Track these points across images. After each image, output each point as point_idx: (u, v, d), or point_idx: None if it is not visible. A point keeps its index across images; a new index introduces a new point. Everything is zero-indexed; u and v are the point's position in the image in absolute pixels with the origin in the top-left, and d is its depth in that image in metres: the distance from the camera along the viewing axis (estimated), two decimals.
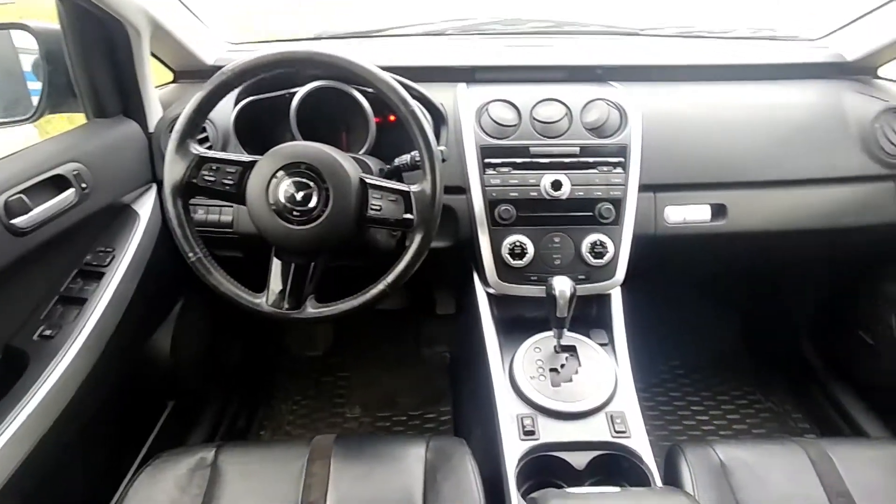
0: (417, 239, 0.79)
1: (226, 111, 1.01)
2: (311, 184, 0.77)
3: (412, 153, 0.89)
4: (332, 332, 1.77)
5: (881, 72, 1.26)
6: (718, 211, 1.07)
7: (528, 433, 0.87)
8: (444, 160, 0.84)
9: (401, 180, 0.91)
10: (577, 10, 1.63)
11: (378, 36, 1.36)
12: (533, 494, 0.71)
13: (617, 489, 0.84)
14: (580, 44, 1.34)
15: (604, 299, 1.05)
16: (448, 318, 1.69)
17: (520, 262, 0.99)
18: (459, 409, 1.47)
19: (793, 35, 1.41)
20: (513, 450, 0.86)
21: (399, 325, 1.76)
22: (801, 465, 0.87)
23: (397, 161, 0.93)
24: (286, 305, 0.81)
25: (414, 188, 0.79)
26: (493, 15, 1.40)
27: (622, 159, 1.00)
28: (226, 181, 0.79)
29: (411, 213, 0.78)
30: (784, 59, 1.27)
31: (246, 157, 0.80)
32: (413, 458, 0.85)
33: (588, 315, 1.06)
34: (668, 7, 1.72)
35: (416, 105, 0.79)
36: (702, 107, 1.13)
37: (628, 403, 0.92)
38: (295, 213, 0.76)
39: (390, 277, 0.79)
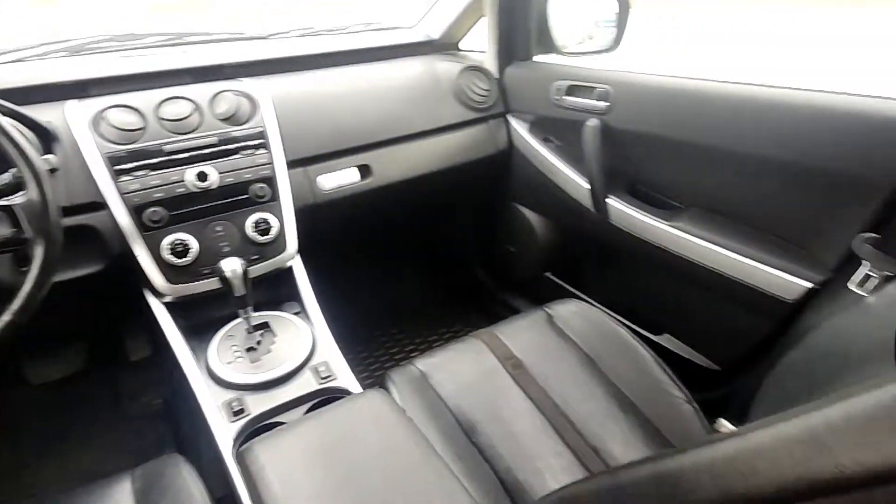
0: (40, 253, 0.72)
1: None
2: None
3: (12, 170, 0.80)
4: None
5: (462, 45, 1.60)
6: (365, 171, 1.23)
7: (238, 413, 0.88)
8: (54, 169, 0.78)
9: None
10: (202, 23, 1.65)
11: None
12: (240, 448, 0.72)
13: None
14: (207, 50, 1.36)
15: (287, 274, 1.10)
16: (146, 361, 1.54)
17: (186, 259, 0.98)
18: (181, 441, 1.37)
19: (395, 25, 1.68)
20: (224, 434, 0.85)
21: (84, 389, 1.52)
22: (479, 349, 1.06)
23: None
24: None
25: (17, 199, 0.72)
26: (105, 32, 1.32)
27: (262, 141, 1.07)
28: None
29: (21, 228, 0.71)
30: (389, 42, 1.50)
31: None
32: (118, 493, 0.78)
33: (278, 293, 1.11)
34: (291, 16, 1.87)
35: (2, 120, 0.72)
36: (330, 87, 1.27)
37: (330, 353, 0.99)
38: None
39: (16, 303, 0.71)
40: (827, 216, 0.92)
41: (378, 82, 1.32)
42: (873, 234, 0.81)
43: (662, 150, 1.15)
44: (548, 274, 1.50)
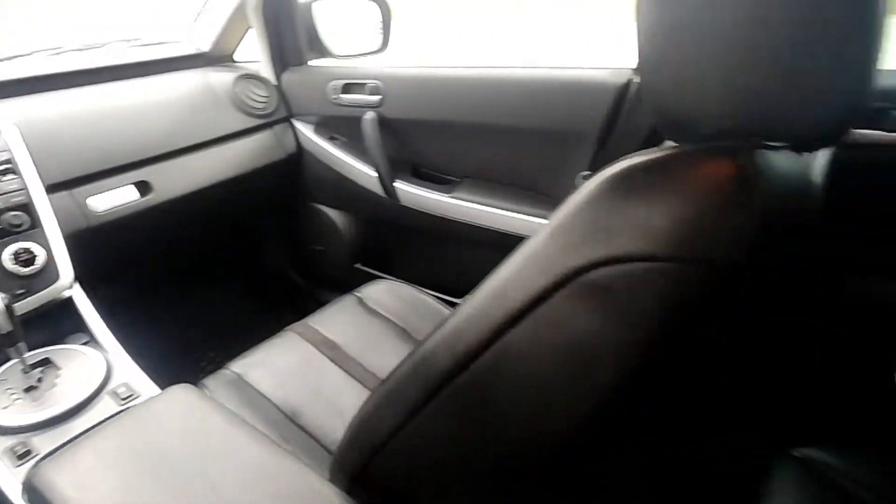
0: None
1: None
2: None
3: None
4: None
5: (237, 56, 1.60)
6: (144, 188, 1.18)
7: (23, 455, 0.79)
8: None
9: None
10: None
11: None
12: (28, 478, 0.66)
13: None
14: None
15: (66, 305, 1.01)
16: None
17: None
18: None
19: (160, 40, 1.62)
20: (9, 481, 0.76)
21: None
22: (294, 341, 1.08)
23: None
24: None
25: None
26: None
27: (8, 166, 0.97)
28: None
29: None
30: (157, 57, 1.45)
31: None
32: None
33: (61, 327, 1.01)
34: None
35: None
36: (94, 105, 1.19)
37: (130, 373, 0.93)
38: None
39: None
40: (562, 166, 1.12)
41: (150, 97, 1.27)
42: (589, 172, 1.02)
43: (432, 132, 1.28)
44: (358, 265, 1.57)
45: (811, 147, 0.41)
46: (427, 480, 0.53)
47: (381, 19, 1.42)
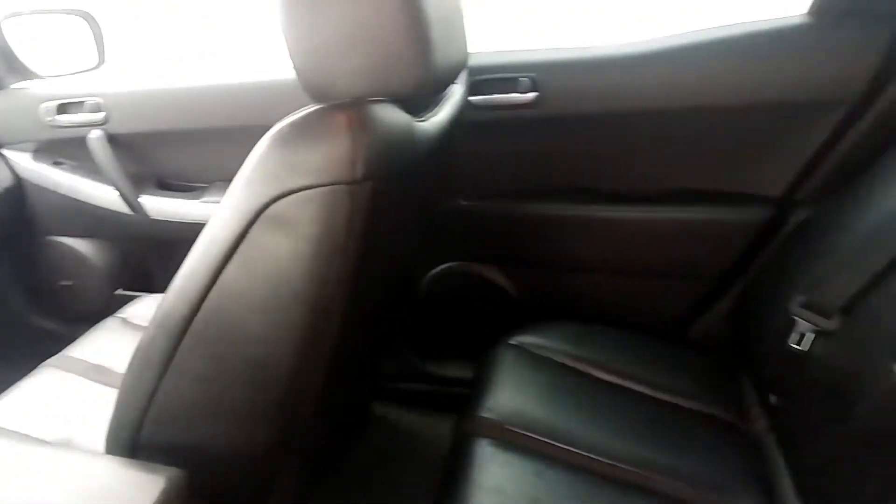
0: None
1: None
2: None
3: None
4: None
5: None
6: None
7: None
8: None
9: None
10: None
11: None
12: None
13: None
14: None
15: None
16: None
17: None
18: None
19: None
20: None
21: None
22: (52, 377, 1.02)
23: None
24: None
25: None
26: None
27: None
28: None
29: None
30: None
31: None
32: None
33: None
34: None
35: None
36: None
37: None
38: None
39: None
40: None
41: None
42: None
43: (169, 142, 1.30)
44: (119, 291, 1.50)
45: (417, 106, 0.60)
46: (194, 426, 0.62)
47: (91, 34, 1.37)
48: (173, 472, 0.58)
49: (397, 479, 1.27)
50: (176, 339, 0.56)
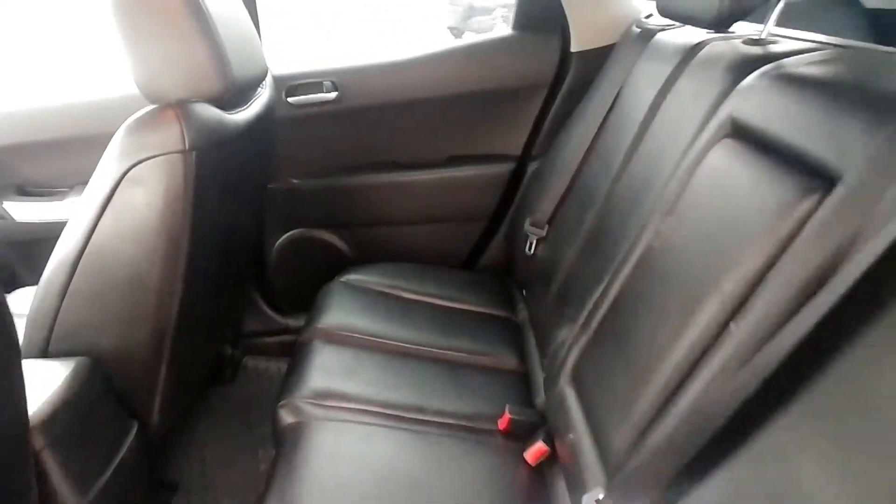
0: None
1: None
2: None
3: None
4: None
5: None
6: None
7: None
8: None
9: None
10: None
11: None
12: None
13: None
14: None
15: None
16: None
17: None
18: None
19: None
20: None
21: None
22: None
23: None
24: None
25: None
26: None
27: None
28: None
29: None
30: None
31: None
32: None
33: None
34: None
35: None
36: None
37: None
38: None
39: None
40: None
41: None
42: None
43: (33, 153, 1.48)
44: None
45: (227, 104, 0.93)
46: (89, 333, 0.90)
47: None
48: (80, 359, 0.86)
49: (261, 413, 1.56)
50: (72, 268, 0.84)
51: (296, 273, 1.66)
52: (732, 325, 0.61)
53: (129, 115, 0.84)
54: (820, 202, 0.55)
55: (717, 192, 0.74)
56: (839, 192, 0.54)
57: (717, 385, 0.59)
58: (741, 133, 0.74)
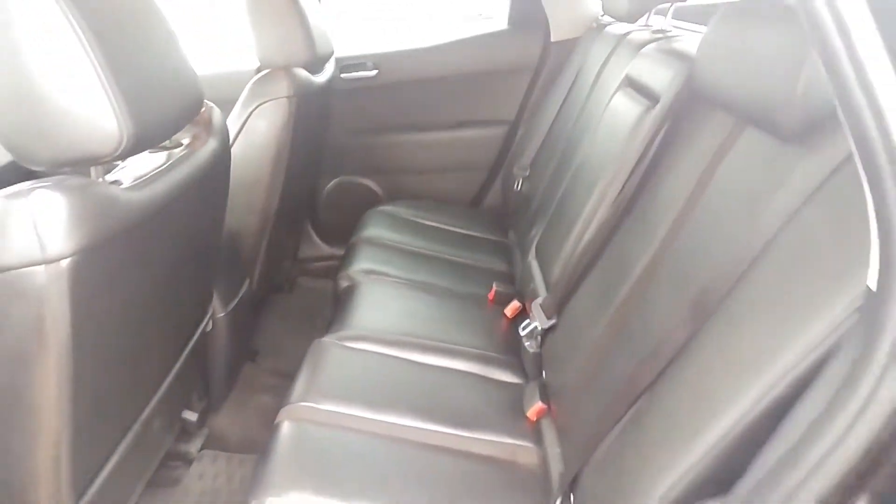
0: None
1: None
2: None
3: None
4: None
5: None
6: None
7: None
8: None
9: None
10: None
11: None
12: None
13: None
14: None
15: None
16: None
17: None
18: None
19: None
20: None
21: None
22: None
23: None
24: None
25: None
26: None
27: None
28: None
29: None
30: None
31: None
32: None
33: None
34: None
35: None
36: None
37: None
38: None
39: None
40: None
41: None
42: None
43: None
44: None
45: (313, 72, 1.44)
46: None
47: None
48: None
49: (316, 312, 2.06)
50: None
51: (340, 211, 2.16)
52: None
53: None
54: (647, 112, 1.04)
55: (609, 120, 1.23)
56: (656, 110, 1.02)
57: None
58: (632, 84, 1.22)
